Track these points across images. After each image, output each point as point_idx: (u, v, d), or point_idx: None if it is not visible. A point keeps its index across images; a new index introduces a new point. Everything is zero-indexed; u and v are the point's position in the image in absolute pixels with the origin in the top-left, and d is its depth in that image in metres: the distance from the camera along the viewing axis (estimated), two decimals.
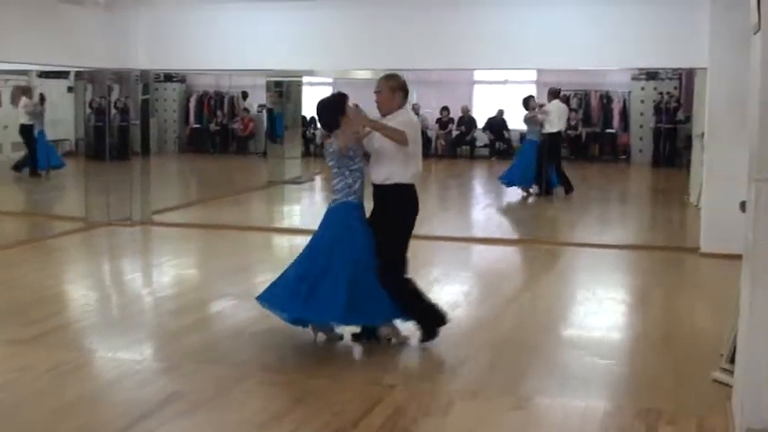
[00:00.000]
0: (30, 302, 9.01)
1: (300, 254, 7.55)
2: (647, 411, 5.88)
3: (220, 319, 8.61)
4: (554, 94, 18.01)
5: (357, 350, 7.52)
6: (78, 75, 23.94)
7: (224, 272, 10.78)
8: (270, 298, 7.54)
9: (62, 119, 26.52)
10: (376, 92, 7.48)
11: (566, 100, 18.06)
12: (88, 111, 18.32)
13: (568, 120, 25.94)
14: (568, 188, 17.98)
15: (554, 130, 17.76)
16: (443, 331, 7.58)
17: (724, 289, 8.57)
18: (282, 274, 7.61)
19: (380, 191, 7.44)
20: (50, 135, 26.10)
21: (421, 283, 9.98)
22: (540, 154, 17.65)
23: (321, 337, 7.58)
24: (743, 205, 5.50)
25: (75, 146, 26.47)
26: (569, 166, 24.51)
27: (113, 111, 16.37)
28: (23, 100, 20.89)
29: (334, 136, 7.38)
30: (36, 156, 20.65)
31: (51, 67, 17.76)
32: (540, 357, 7.31)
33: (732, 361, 6.16)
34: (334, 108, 7.44)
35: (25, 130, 20.74)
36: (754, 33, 5.35)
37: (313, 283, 7.18)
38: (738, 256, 5.88)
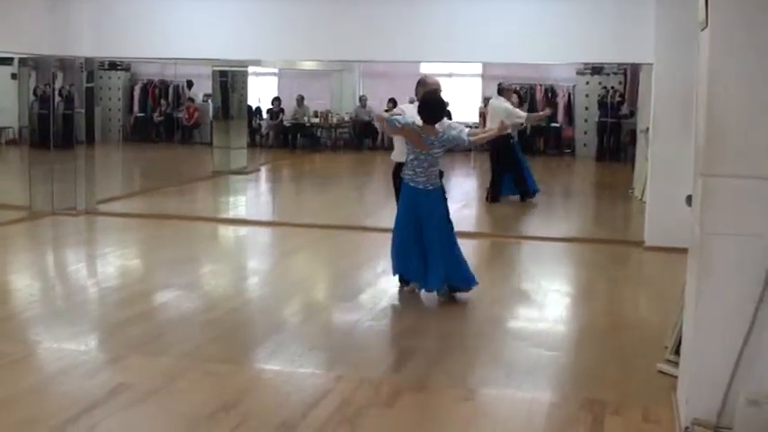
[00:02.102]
0: None
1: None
2: (593, 402, 5.93)
3: (165, 310, 8.56)
4: (498, 91, 16.94)
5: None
6: (22, 61, 23.64)
7: (169, 262, 10.71)
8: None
9: (5, 106, 26.20)
10: None
11: (513, 96, 16.57)
12: (32, 98, 18.10)
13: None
14: (525, 194, 16.38)
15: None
16: (390, 324, 7.62)
17: (668, 282, 8.70)
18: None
19: None
20: None
21: (368, 276, 10.10)
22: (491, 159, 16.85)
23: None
24: (689, 199, 5.56)
25: (19, 134, 26.15)
26: None
27: (58, 98, 16.21)
28: None
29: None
30: None
31: None
32: (487, 349, 7.34)
33: (677, 352, 6.24)
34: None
35: None
36: (701, 30, 5.41)
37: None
38: (682, 250, 5.96)
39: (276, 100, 27.06)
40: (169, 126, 28.99)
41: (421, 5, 12.26)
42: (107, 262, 10.96)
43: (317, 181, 20.93)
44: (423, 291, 8.88)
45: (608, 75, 25.49)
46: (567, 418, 5.74)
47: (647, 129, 12.94)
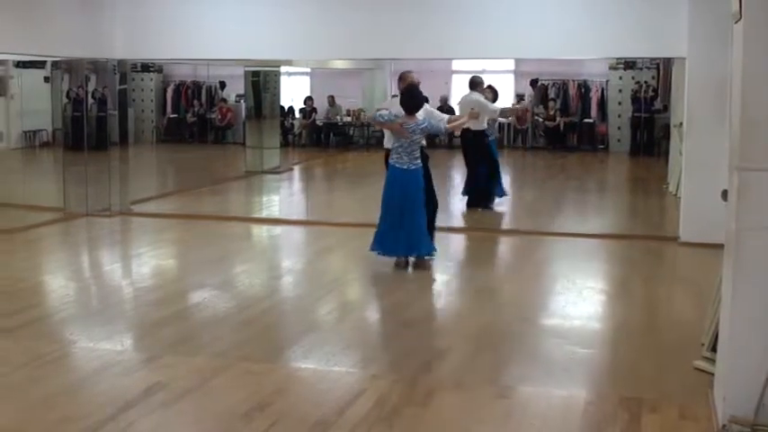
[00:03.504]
0: (8, 294, 8.95)
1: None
2: (630, 400, 5.89)
3: (200, 310, 8.58)
4: (471, 85, 14.70)
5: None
6: (55, 64, 23.80)
7: (203, 262, 10.75)
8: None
9: (38, 109, 26.39)
10: None
11: (487, 91, 14.94)
12: (65, 101, 18.20)
13: (556, 111, 26.13)
14: (486, 201, 14.86)
15: (472, 127, 14.16)
16: (425, 321, 7.62)
17: (704, 278, 8.61)
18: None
19: None
20: (27, 126, 26.04)
21: (401, 274, 10.09)
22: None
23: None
24: (725, 194, 5.51)
25: (52, 136, 26.33)
26: (548, 155, 24.68)
27: (91, 101, 16.31)
28: None
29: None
30: None
31: (28, 56, 17.63)
32: (522, 347, 7.33)
33: (713, 349, 6.19)
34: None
35: None
36: (735, 22, 5.36)
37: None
38: (717, 245, 5.91)
39: (308, 99, 27.12)
40: (202, 127, 29.14)
41: (453, 2, 12.22)
42: (142, 262, 11.02)
43: (350, 179, 20.93)
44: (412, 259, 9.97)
45: (641, 69, 25.39)
46: (603, 415, 5.71)
47: (681, 123, 12.86)
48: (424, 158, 10.15)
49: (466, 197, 14.92)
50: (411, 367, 6.69)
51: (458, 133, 11.71)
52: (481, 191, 14.71)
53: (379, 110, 10.32)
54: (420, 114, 9.85)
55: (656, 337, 7.60)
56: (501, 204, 15.15)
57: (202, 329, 7.82)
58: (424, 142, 10.17)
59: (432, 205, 10.44)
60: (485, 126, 14.47)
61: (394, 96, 10.66)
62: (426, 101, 10.12)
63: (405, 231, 9.83)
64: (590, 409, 5.81)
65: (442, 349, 7.11)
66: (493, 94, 15.11)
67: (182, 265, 11.05)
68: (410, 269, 10.01)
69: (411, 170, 9.81)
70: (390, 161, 9.96)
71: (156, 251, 11.63)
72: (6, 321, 7.83)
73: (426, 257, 10.10)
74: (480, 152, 14.74)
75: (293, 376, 6.59)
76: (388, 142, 10.33)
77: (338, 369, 6.68)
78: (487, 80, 26.94)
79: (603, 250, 11.66)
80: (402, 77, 10.47)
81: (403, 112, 9.77)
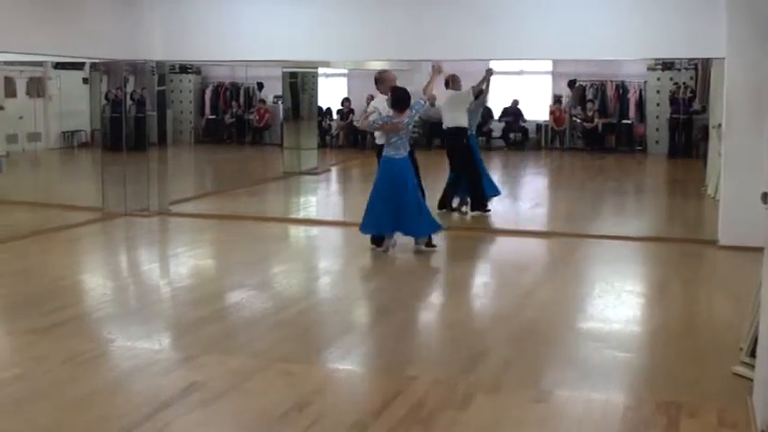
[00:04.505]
0: (47, 292, 9.03)
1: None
2: (668, 404, 5.84)
3: (238, 310, 8.60)
4: (445, 83, 14.02)
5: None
6: (94, 66, 24.02)
7: (241, 262, 10.78)
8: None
9: (77, 110, 26.63)
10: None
11: (480, 95, 14.24)
12: (104, 102, 18.35)
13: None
14: (477, 203, 14.31)
15: (450, 125, 14.13)
16: (463, 324, 7.61)
17: (742, 281, 8.55)
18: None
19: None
20: (66, 126, 26.29)
21: (439, 276, 10.09)
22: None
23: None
24: (764, 196, 5.45)
25: (91, 137, 26.57)
26: (586, 157, 24.59)
27: (129, 102, 16.42)
28: None
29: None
30: None
31: (67, 58, 17.77)
32: (560, 350, 7.29)
33: (753, 354, 6.13)
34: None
35: None
36: None
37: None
38: (757, 249, 5.86)
39: (346, 100, 27.19)
40: (240, 128, 29.30)
41: (491, 3, 12.20)
42: (180, 262, 11.08)
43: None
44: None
45: (679, 70, 25.28)
46: (641, 420, 5.67)
47: (720, 124, 12.75)
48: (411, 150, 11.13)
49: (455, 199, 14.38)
50: (448, 370, 6.68)
51: (432, 102, 11.69)
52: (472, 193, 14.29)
53: (370, 114, 11.06)
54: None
55: (695, 341, 7.54)
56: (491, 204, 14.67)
57: (240, 329, 7.86)
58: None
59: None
60: (463, 123, 14.00)
61: (371, 98, 11.74)
62: (409, 96, 10.80)
63: (408, 213, 10.75)
64: (628, 414, 5.77)
65: (479, 351, 7.08)
66: (455, 82, 14.36)
67: (219, 266, 11.09)
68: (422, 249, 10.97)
69: (404, 158, 10.73)
70: (386, 154, 10.75)
71: (194, 251, 11.68)
72: (45, 320, 7.90)
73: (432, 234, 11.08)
74: (462, 153, 14.13)
75: (330, 377, 6.60)
76: (380, 139, 11.18)
77: (375, 370, 6.68)
78: (525, 81, 27.10)
79: (641, 253, 11.59)
80: (380, 79, 11.45)
81: (391, 112, 10.71)
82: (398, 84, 11.29)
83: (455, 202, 14.39)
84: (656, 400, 5.97)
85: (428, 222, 11.02)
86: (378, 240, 11.06)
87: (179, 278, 10.22)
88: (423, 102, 11.03)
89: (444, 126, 14.31)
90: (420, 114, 11.22)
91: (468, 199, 14.30)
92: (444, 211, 13.95)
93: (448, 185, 14.29)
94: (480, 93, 14.15)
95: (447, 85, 14.06)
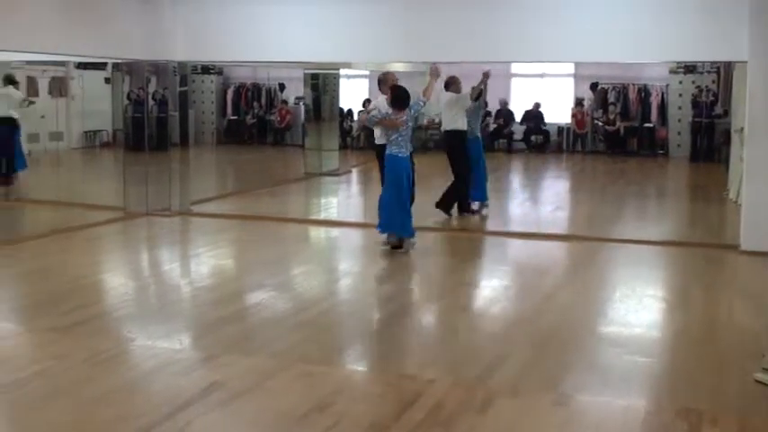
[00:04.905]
0: (68, 291, 9.07)
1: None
2: (689, 411, 5.81)
3: (258, 310, 8.61)
4: (445, 85, 14.18)
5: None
6: (116, 66, 24.10)
7: (262, 263, 10.80)
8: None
9: (99, 110, 26.75)
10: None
11: (479, 96, 14.05)
12: (126, 102, 18.38)
13: (589, 114, 25.90)
14: (461, 204, 14.37)
15: (449, 127, 14.18)
16: (482, 327, 7.62)
17: (765, 287, 8.54)
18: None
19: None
20: (88, 126, 26.41)
21: (459, 278, 10.09)
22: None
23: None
24: None
25: (113, 137, 26.68)
26: (608, 160, 24.53)
27: (151, 102, 16.43)
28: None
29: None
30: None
31: (89, 58, 17.83)
32: (580, 354, 7.26)
33: None
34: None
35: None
36: None
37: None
38: None
39: (367, 102, 27.16)
40: (261, 128, 29.38)
41: (513, 5, 12.18)
42: (201, 262, 11.10)
43: (425, 183, 20.94)
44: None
45: (701, 73, 25.18)
46: (661, 426, 5.64)
47: (742, 128, 12.69)
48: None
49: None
50: (468, 372, 6.67)
51: (431, 99, 11.80)
52: (458, 195, 14.24)
53: (370, 111, 11.93)
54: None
55: (716, 347, 7.50)
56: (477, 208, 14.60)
57: (260, 330, 7.87)
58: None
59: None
60: (462, 126, 13.98)
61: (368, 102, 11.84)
62: (408, 95, 11.07)
63: (406, 212, 11.09)
64: (648, 420, 5.74)
65: (499, 355, 7.06)
66: (456, 83, 14.30)
67: (240, 266, 11.12)
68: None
69: (407, 156, 11.03)
70: (390, 152, 10.98)
71: (215, 251, 11.70)
72: (66, 318, 7.93)
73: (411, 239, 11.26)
74: (460, 153, 14.13)
75: (351, 378, 6.59)
76: (380, 139, 11.73)
77: (395, 372, 6.67)
78: (547, 84, 27.06)
79: (663, 257, 11.54)
80: (383, 80, 12.13)
81: (389, 110, 11.05)
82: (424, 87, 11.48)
83: (475, 205, 14.47)
84: (676, 406, 5.94)
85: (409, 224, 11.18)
86: (397, 245, 11.13)
87: (200, 278, 10.24)
88: (422, 103, 11.26)
89: (442, 128, 14.41)
90: (417, 113, 11.39)
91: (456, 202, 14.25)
92: (456, 215, 14.08)
93: (452, 188, 14.24)
94: (479, 94, 14.08)
95: (447, 86, 14.12)
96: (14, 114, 17.44)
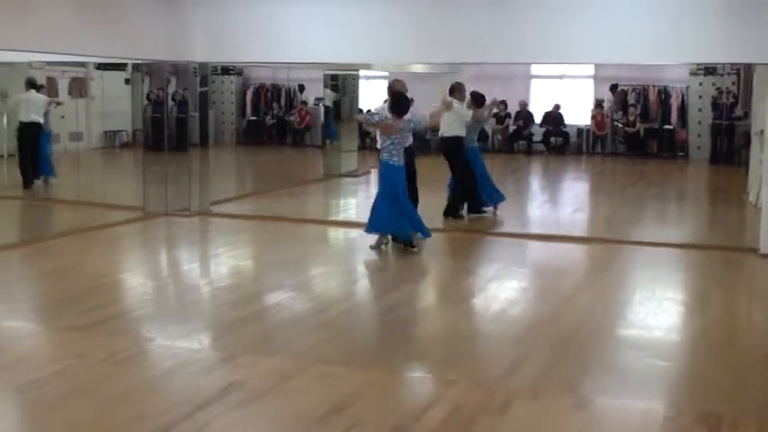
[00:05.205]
0: (88, 290, 9.11)
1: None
2: (708, 415, 5.79)
3: (277, 311, 8.63)
4: (450, 91, 14.17)
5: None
6: (136, 67, 24.17)
7: (281, 263, 10.80)
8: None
9: (119, 111, 26.84)
10: None
11: (475, 98, 14.26)
12: (145, 102, 18.44)
13: (612, 117, 25.84)
14: (450, 211, 14.20)
15: (447, 134, 14.04)
16: (502, 329, 7.63)
17: None
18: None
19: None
20: (108, 126, 26.51)
21: (478, 280, 10.08)
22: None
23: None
24: None
25: (133, 137, 26.77)
26: (628, 162, 24.45)
27: (171, 103, 16.48)
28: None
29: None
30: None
31: (109, 59, 17.86)
32: (600, 357, 7.25)
33: None
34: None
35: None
36: None
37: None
38: None
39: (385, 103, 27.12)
40: (281, 129, 29.40)
41: (532, 7, 12.15)
42: (220, 262, 11.13)
43: (427, 184, 20.90)
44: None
45: (721, 75, 25.05)
46: (681, 430, 5.62)
47: (762, 131, 12.64)
48: (410, 153, 11.92)
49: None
50: (489, 374, 6.67)
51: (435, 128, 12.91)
52: (457, 199, 14.24)
53: (369, 111, 11.88)
54: (407, 116, 11.19)
55: (736, 350, 7.48)
56: (489, 211, 14.57)
57: (279, 330, 7.88)
58: (410, 140, 11.82)
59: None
60: (461, 133, 13.96)
61: (385, 101, 12.05)
62: (408, 102, 11.48)
63: (407, 216, 11.17)
64: (668, 424, 5.73)
65: (519, 357, 7.06)
66: (476, 101, 14.41)
67: (259, 266, 11.14)
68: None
69: (402, 166, 11.17)
70: (382, 158, 11.22)
71: (234, 251, 11.72)
72: (85, 317, 7.96)
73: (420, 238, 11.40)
74: (458, 159, 14.13)
75: (370, 380, 6.58)
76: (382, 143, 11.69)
77: (415, 374, 6.68)
78: (567, 85, 26.99)
79: (682, 260, 11.50)
80: (392, 86, 12.18)
81: (389, 115, 11.16)
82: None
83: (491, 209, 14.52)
84: (696, 410, 5.92)
85: (419, 224, 11.36)
86: (410, 243, 11.26)
87: (219, 278, 10.27)
88: (423, 121, 11.75)
89: (441, 133, 14.27)
90: (415, 128, 11.56)
91: (465, 204, 14.30)
92: (451, 218, 13.98)
93: (452, 193, 14.33)
94: (479, 119, 14.28)
95: (451, 92, 14.05)
96: (38, 119, 17.23)
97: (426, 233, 11.36)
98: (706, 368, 7.00)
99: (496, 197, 14.68)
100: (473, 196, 14.28)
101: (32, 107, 17.00)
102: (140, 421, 5.59)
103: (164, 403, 5.94)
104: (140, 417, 5.66)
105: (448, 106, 12.33)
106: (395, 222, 11.17)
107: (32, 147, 17.04)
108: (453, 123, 13.79)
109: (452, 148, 14.11)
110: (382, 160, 11.22)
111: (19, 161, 17.19)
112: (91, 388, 6.19)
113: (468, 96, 14.29)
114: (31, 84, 17.33)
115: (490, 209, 14.56)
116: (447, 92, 14.07)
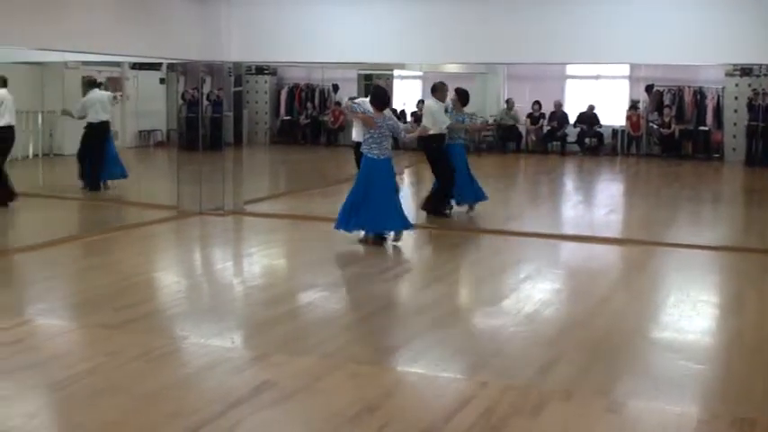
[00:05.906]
0: (121, 288, 9.16)
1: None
2: (743, 420, 5.73)
3: (310, 310, 8.64)
4: (432, 89, 14.19)
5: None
6: (171, 67, 24.28)
7: (314, 263, 10.82)
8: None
9: (154, 110, 26.96)
10: None
11: (460, 94, 14.24)
12: (180, 102, 18.51)
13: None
14: (430, 206, 14.38)
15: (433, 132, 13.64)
16: (535, 330, 7.60)
17: None
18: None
19: None
20: (142, 125, 26.65)
21: (511, 281, 10.04)
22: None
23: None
24: None
25: (167, 136, 26.89)
26: (663, 164, 24.32)
27: (205, 102, 16.53)
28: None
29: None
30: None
31: (145, 58, 17.93)
32: (634, 360, 7.19)
33: None
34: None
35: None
36: None
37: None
38: None
39: (420, 103, 27.13)
40: (315, 129, 29.44)
41: (567, 7, 12.10)
42: (253, 261, 11.16)
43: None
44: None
45: (758, 76, 24.84)
46: None
47: None
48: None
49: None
50: (521, 376, 6.63)
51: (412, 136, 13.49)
52: (436, 196, 14.28)
53: (352, 99, 12.73)
54: (387, 113, 11.55)
55: None
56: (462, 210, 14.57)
57: (312, 329, 7.89)
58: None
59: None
60: (438, 131, 13.73)
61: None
62: (387, 96, 12.10)
63: (369, 212, 11.38)
64: (702, 428, 5.68)
65: (552, 358, 7.02)
66: (461, 97, 14.28)
67: (292, 265, 11.16)
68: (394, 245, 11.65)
69: (381, 159, 11.38)
70: (363, 151, 11.55)
71: (268, 251, 11.76)
72: (119, 315, 8.00)
73: (397, 233, 11.70)
74: (439, 159, 14.14)
75: (401, 380, 6.59)
76: (356, 136, 12.53)
77: (447, 375, 6.65)
78: (602, 85, 26.85)
79: (717, 263, 11.42)
80: (435, 87, 13.07)
81: (371, 109, 11.43)
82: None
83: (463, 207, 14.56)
84: (730, 414, 5.86)
85: (401, 218, 11.68)
86: (380, 239, 11.71)
87: (252, 277, 10.29)
88: (401, 135, 11.94)
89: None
90: (392, 131, 11.54)
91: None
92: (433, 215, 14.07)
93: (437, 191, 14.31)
94: (452, 127, 14.06)
95: (433, 91, 14.05)
96: (108, 117, 16.94)
97: (407, 226, 11.79)
98: (740, 371, 6.94)
99: (479, 194, 14.59)
100: (450, 194, 14.26)
101: (101, 106, 16.80)
102: (173, 419, 5.60)
103: (197, 401, 5.95)
104: (173, 414, 5.67)
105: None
106: (358, 221, 11.55)
107: (100, 146, 16.63)
108: (434, 123, 13.66)
109: (432, 146, 14.04)
110: (362, 152, 11.56)
111: (83, 162, 16.78)
112: (124, 385, 6.21)
113: (453, 93, 14.26)
114: (93, 83, 17.07)
115: (464, 208, 14.50)
116: (431, 90, 14.18)
